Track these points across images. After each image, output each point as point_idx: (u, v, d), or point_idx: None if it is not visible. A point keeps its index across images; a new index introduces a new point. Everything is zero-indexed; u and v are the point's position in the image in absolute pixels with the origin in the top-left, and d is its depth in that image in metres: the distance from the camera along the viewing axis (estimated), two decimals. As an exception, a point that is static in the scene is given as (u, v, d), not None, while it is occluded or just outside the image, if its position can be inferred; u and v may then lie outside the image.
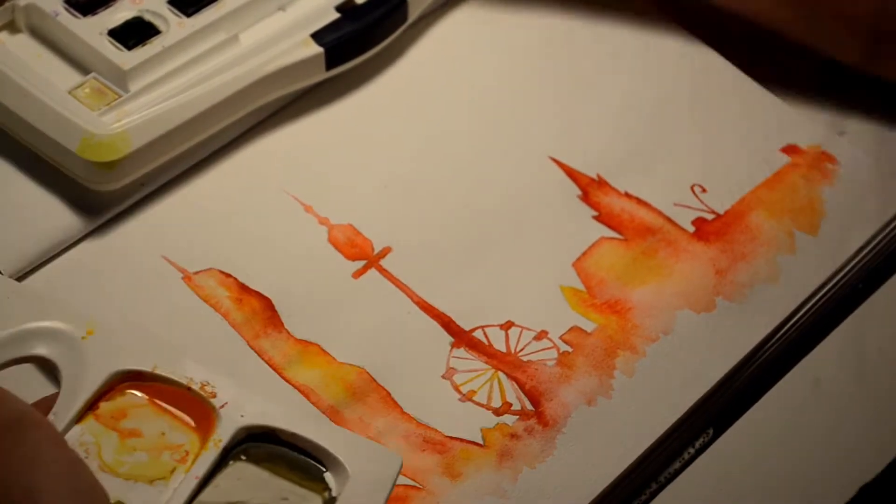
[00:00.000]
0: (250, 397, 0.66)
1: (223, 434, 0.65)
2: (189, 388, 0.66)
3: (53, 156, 0.79)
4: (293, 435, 0.65)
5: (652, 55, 0.90)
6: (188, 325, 0.75)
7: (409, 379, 0.75)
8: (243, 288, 0.78)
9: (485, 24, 0.91)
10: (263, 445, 0.65)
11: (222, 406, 0.65)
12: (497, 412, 0.74)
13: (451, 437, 0.73)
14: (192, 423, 0.65)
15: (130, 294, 0.73)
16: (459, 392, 0.75)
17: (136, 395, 0.66)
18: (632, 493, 0.74)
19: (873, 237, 0.83)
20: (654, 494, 0.74)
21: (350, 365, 0.75)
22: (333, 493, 0.64)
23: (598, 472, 0.72)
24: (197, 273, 0.78)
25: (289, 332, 0.76)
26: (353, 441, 0.66)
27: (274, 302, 0.77)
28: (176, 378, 0.66)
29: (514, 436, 0.73)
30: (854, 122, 0.87)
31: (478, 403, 0.74)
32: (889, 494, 0.76)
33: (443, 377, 0.75)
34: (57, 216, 0.79)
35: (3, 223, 0.78)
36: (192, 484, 0.63)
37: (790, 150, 0.86)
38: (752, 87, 0.89)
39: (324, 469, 0.65)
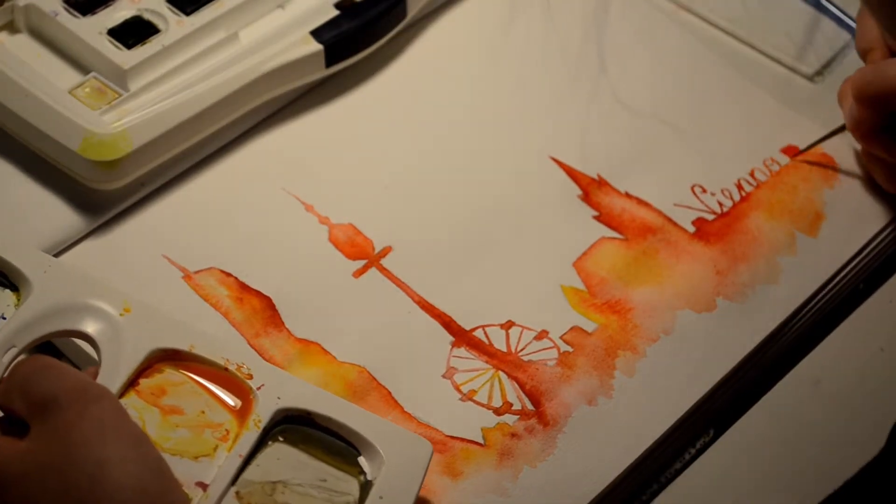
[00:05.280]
0: (286, 380, 0.68)
1: (262, 415, 0.66)
2: (226, 369, 0.68)
3: (54, 155, 0.79)
4: (328, 419, 0.67)
5: (653, 56, 0.90)
6: (188, 324, 0.75)
7: (409, 378, 0.75)
8: (243, 287, 0.77)
9: (484, 23, 0.91)
10: (299, 428, 0.67)
11: (259, 388, 0.67)
12: (498, 412, 0.74)
13: (452, 437, 0.73)
14: (231, 403, 0.67)
15: (131, 293, 0.73)
16: (460, 391, 0.75)
17: (174, 373, 0.67)
18: (632, 493, 0.74)
19: (872, 239, 0.83)
20: (654, 494, 0.74)
21: (350, 364, 0.75)
22: (368, 477, 0.66)
23: (598, 472, 0.72)
24: (197, 272, 0.78)
25: (289, 331, 0.76)
26: (386, 427, 0.68)
27: (274, 301, 0.77)
28: (213, 358, 0.68)
29: (514, 435, 0.73)
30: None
31: (478, 403, 0.74)
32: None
33: (443, 377, 0.75)
34: (57, 216, 0.79)
35: (3, 223, 0.78)
36: (237, 462, 0.65)
37: (790, 150, 0.86)
38: (752, 88, 0.89)
39: (357, 453, 0.67)
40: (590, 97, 0.88)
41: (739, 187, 0.84)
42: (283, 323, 0.76)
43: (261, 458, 0.66)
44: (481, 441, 0.73)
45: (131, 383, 0.66)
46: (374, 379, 0.74)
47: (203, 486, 0.64)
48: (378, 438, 0.67)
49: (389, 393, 0.74)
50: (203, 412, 0.66)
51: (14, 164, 0.81)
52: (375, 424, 0.67)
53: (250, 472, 0.65)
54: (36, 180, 0.80)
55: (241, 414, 0.66)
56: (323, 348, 0.75)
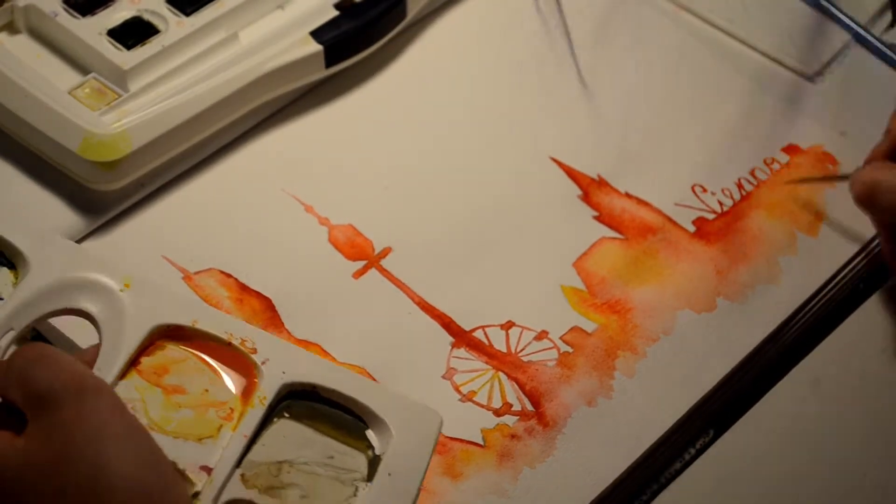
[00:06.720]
0: (291, 353, 0.66)
1: (267, 391, 0.64)
2: (230, 344, 0.65)
3: (54, 156, 0.79)
4: (334, 392, 0.65)
5: (653, 56, 0.90)
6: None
7: (409, 379, 0.75)
8: (244, 288, 0.77)
9: (484, 23, 0.91)
10: (305, 403, 0.65)
11: (264, 362, 0.65)
12: (497, 413, 0.74)
13: (452, 438, 0.73)
14: (235, 379, 0.65)
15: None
16: (460, 392, 0.75)
17: (176, 349, 0.65)
18: (632, 494, 0.74)
19: (873, 239, 0.82)
20: (654, 494, 0.74)
21: (350, 365, 0.75)
22: (377, 451, 0.64)
23: (598, 473, 0.72)
24: (197, 273, 0.78)
25: (289, 332, 0.76)
26: (393, 398, 0.65)
27: (274, 302, 0.77)
28: (216, 333, 0.65)
29: (514, 436, 0.73)
30: (856, 122, 0.87)
31: (478, 404, 0.74)
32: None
33: (443, 377, 0.75)
34: (57, 216, 0.79)
35: (4, 223, 0.78)
36: (242, 443, 0.63)
37: (791, 150, 0.86)
38: (752, 88, 0.89)
39: (365, 426, 0.65)
40: (590, 97, 0.88)
41: (740, 186, 0.84)
42: (283, 324, 0.76)
43: (266, 436, 0.64)
44: (481, 442, 0.73)
45: (133, 362, 0.64)
46: (374, 380, 0.74)
47: (207, 469, 0.62)
48: (385, 410, 0.64)
49: (389, 394, 0.74)
50: (206, 390, 0.64)
51: (14, 165, 0.81)
52: (382, 395, 0.65)
53: (255, 453, 0.63)
54: (36, 181, 0.80)
55: (246, 391, 0.64)
56: (323, 349, 0.75)
